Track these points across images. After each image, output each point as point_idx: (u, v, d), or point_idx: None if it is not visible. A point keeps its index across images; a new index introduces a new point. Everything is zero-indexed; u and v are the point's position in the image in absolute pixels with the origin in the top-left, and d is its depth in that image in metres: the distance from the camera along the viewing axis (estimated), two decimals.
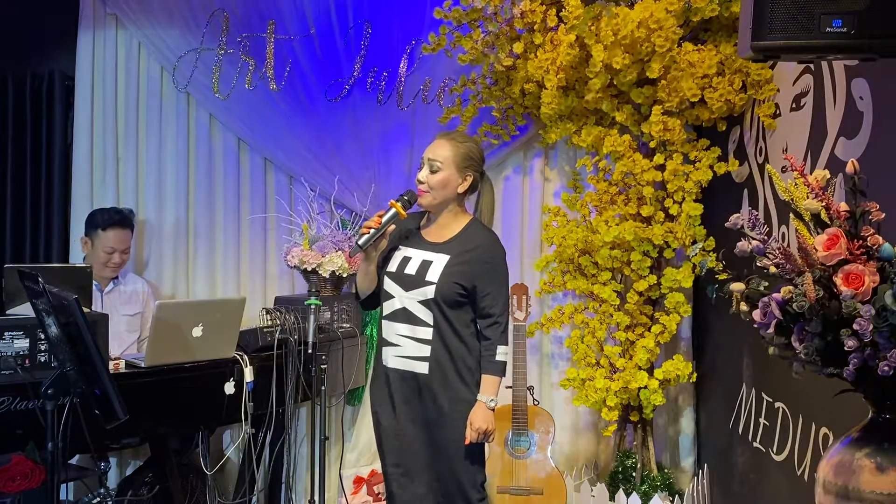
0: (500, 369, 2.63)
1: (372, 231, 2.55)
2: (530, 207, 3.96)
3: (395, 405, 2.67)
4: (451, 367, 2.60)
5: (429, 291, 2.58)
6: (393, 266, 2.66)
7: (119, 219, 3.57)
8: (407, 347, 2.62)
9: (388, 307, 2.66)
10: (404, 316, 2.62)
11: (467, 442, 2.58)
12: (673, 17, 3.02)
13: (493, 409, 2.61)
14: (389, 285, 2.65)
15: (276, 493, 3.45)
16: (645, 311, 3.47)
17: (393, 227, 2.63)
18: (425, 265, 2.62)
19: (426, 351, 2.60)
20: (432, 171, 2.59)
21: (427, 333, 2.59)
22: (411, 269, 2.63)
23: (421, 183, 2.61)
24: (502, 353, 2.63)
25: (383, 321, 2.68)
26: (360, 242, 2.56)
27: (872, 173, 1.59)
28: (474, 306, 2.62)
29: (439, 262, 2.61)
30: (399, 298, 2.63)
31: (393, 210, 2.57)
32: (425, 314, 2.60)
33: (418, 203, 2.65)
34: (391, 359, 2.66)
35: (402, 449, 2.67)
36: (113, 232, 3.52)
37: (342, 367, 3.44)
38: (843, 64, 2.22)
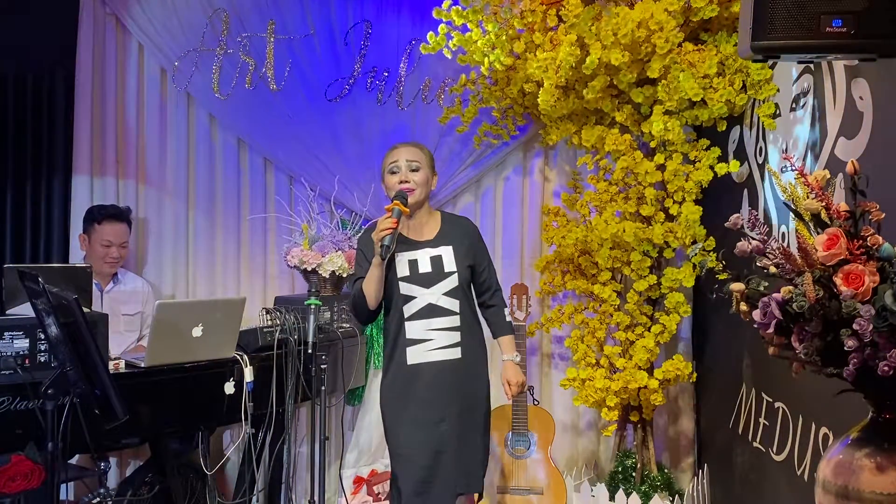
0: (512, 329, 3.00)
1: (393, 230, 2.66)
2: (530, 207, 3.96)
3: (432, 400, 2.76)
4: (479, 345, 2.88)
5: (453, 280, 2.80)
6: (404, 271, 2.79)
7: (115, 212, 3.60)
8: (439, 339, 2.78)
9: (409, 309, 2.79)
10: (431, 311, 2.78)
11: (510, 397, 2.95)
12: (674, 19, 3.02)
13: (518, 364, 2.96)
14: (408, 288, 2.79)
15: (276, 493, 3.45)
16: (645, 311, 3.47)
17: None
18: (437, 260, 2.81)
19: (457, 337, 2.80)
20: (413, 170, 2.81)
21: (455, 321, 2.79)
22: (425, 268, 2.80)
23: (407, 182, 2.79)
24: (508, 314, 2.98)
25: (406, 323, 2.78)
26: (386, 243, 2.63)
27: (872, 173, 1.59)
28: (474, 282, 2.90)
29: (447, 253, 2.82)
30: (422, 297, 2.78)
31: (397, 209, 2.70)
32: (452, 304, 2.79)
33: (409, 201, 2.80)
34: (423, 354, 2.78)
35: (447, 439, 2.76)
36: (109, 225, 3.55)
37: (342, 367, 3.44)
38: (843, 64, 2.22)
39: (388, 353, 2.85)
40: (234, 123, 4.00)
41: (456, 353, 2.79)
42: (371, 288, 2.75)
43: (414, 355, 2.78)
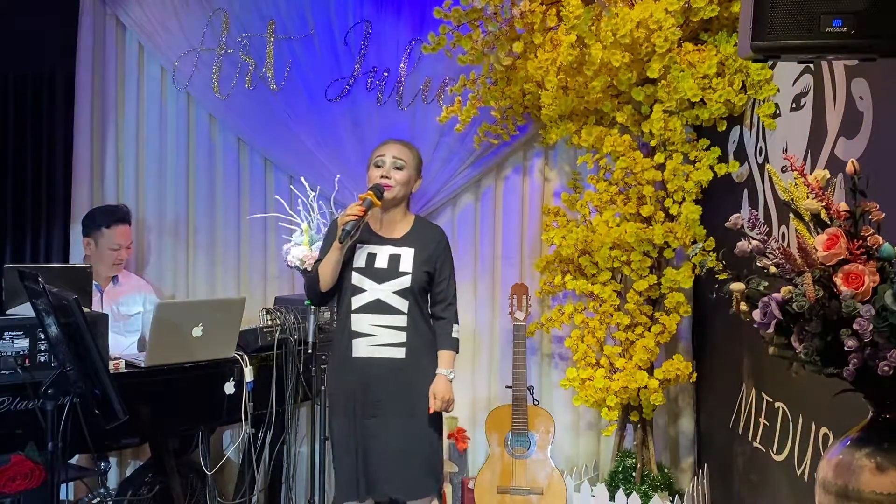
0: (456, 345, 2.91)
1: (358, 218, 2.69)
2: (530, 207, 3.96)
3: (367, 393, 2.77)
4: (426, 349, 2.83)
5: (405, 281, 2.79)
6: (360, 262, 2.80)
7: (122, 215, 3.62)
8: (382, 336, 2.77)
9: (357, 301, 2.79)
10: (378, 307, 2.78)
11: (431, 411, 2.79)
12: (672, 18, 3.02)
13: (451, 381, 2.85)
14: (360, 280, 2.79)
15: (276, 493, 3.45)
16: (645, 311, 3.47)
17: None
18: (395, 258, 2.81)
19: (401, 337, 2.78)
20: (397, 168, 2.81)
21: (402, 321, 2.78)
22: (382, 263, 2.80)
23: (387, 178, 2.79)
24: (457, 331, 2.91)
25: (353, 315, 2.79)
26: (347, 228, 2.66)
27: (872, 173, 1.59)
28: (431, 291, 2.88)
29: (407, 254, 2.82)
30: (371, 291, 2.78)
31: (368, 199, 2.72)
32: (400, 303, 2.78)
33: (384, 196, 2.81)
34: (367, 348, 2.77)
35: (374, 434, 2.76)
36: (118, 229, 3.56)
37: None
38: (843, 64, 2.22)
39: (335, 342, 2.88)
40: (233, 123, 4.00)
41: (400, 353, 2.77)
42: (327, 270, 2.77)
43: (358, 348, 2.78)
